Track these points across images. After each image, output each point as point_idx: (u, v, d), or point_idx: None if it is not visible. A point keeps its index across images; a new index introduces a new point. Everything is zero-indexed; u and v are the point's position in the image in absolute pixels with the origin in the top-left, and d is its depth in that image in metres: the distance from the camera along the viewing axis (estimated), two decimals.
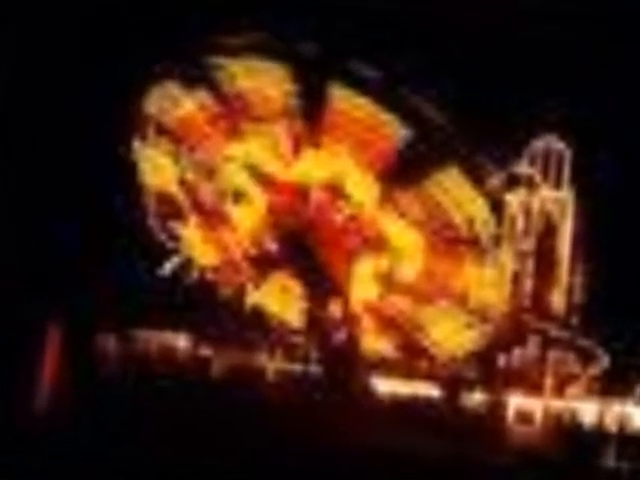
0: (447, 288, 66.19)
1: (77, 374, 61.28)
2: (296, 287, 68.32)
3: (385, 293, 67.32)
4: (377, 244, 67.05)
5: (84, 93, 62.87)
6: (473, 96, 63.18)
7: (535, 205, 69.87)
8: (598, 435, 64.54)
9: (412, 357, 67.58)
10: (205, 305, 68.18)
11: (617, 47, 63.72)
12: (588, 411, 66.71)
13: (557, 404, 67.16)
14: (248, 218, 68.62)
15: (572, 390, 67.71)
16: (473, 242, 65.16)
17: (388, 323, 67.42)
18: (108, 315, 64.28)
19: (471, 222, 64.81)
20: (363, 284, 67.32)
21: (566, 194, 70.24)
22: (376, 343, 67.55)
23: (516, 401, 66.92)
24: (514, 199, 69.19)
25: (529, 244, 69.27)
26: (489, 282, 65.34)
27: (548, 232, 69.80)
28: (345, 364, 67.50)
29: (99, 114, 62.37)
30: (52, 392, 60.36)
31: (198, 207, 69.14)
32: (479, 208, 64.58)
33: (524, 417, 66.50)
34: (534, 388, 67.48)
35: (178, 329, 69.30)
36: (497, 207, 65.66)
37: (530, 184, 69.56)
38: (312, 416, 60.32)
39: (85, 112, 62.81)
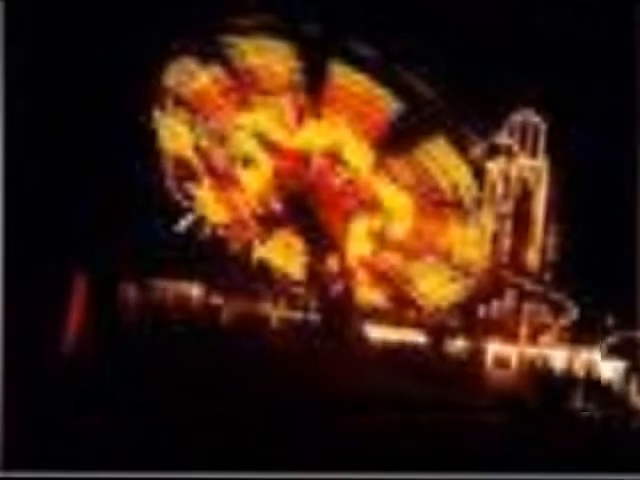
0: (434, 246, 67.76)
1: (101, 319, 60.05)
2: (298, 243, 70.26)
3: (378, 250, 69.23)
4: (371, 205, 68.81)
5: (110, 68, 62.80)
6: (459, 73, 64.01)
7: (513, 172, 71.73)
8: (567, 379, 66.04)
9: (401, 307, 69.46)
10: (216, 258, 69.64)
11: (587, 28, 64.63)
12: (559, 358, 69.09)
13: (531, 351, 69.39)
14: (255, 181, 70.15)
15: (545, 338, 70.34)
16: (457, 205, 66.59)
17: (380, 277, 69.48)
18: (129, 267, 63.25)
19: (456, 187, 66.20)
20: (358, 241, 69.31)
21: (541, 163, 72.32)
22: (369, 294, 69.79)
23: (494, 348, 68.96)
24: (494, 166, 70.81)
25: (507, 207, 71.15)
26: (471, 241, 67.04)
27: (525, 196, 71.69)
28: (341, 313, 69.40)
29: (123, 86, 62.78)
30: (78, 336, 57.07)
31: (211, 170, 70.62)
32: (463, 174, 66.01)
33: (501, 362, 68.54)
34: (510, 336, 69.60)
35: (192, 280, 70.26)
36: (479, 173, 66.80)
37: (509, 153, 71.44)
38: (310, 359, 60.60)
39: (110, 85, 62.69)
